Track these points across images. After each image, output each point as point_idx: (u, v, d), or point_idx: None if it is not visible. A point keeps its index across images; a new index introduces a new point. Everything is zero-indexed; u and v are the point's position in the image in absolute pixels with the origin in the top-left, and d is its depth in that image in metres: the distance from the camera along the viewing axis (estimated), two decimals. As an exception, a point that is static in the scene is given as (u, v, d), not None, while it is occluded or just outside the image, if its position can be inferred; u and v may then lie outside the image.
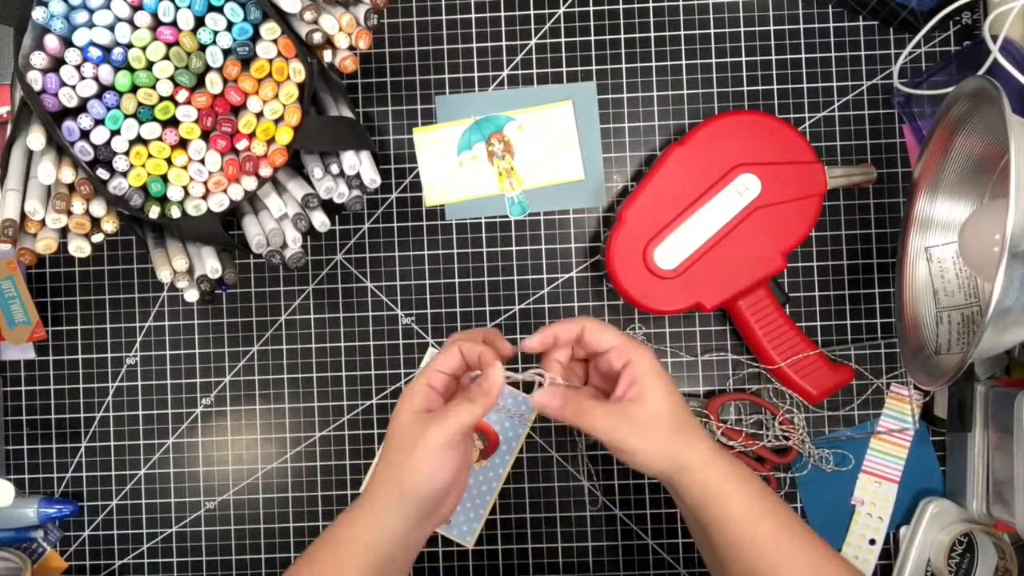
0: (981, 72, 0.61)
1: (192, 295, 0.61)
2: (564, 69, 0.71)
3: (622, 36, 0.71)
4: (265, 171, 0.59)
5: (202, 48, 0.56)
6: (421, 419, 0.54)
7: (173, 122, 0.58)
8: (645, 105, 0.71)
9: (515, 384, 0.61)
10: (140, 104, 0.56)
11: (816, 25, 0.70)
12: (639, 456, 0.54)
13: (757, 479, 0.56)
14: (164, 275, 0.60)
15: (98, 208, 0.57)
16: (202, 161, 0.58)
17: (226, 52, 0.57)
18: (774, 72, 0.70)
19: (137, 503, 0.72)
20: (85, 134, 0.56)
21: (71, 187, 0.57)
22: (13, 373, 0.73)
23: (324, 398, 0.72)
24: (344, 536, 0.55)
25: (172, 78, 0.56)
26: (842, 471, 0.69)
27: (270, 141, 0.59)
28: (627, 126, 0.71)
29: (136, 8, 0.55)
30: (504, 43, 0.71)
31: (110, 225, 0.58)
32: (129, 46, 0.56)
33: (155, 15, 0.55)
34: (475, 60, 0.71)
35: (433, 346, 0.71)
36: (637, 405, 0.54)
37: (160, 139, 0.57)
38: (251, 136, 0.58)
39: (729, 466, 0.55)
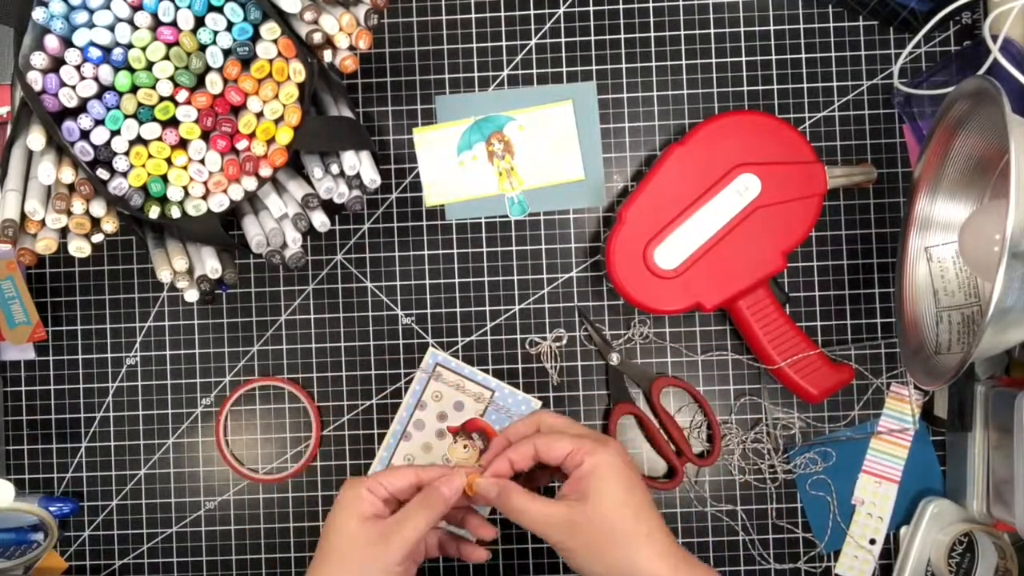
0: (981, 72, 0.61)
1: (192, 295, 0.61)
2: (564, 69, 0.71)
3: (622, 36, 0.71)
4: (265, 171, 0.59)
5: (202, 48, 0.56)
6: (371, 527, 0.49)
7: (173, 122, 0.58)
8: (645, 105, 0.71)
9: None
10: (140, 104, 0.56)
11: (816, 25, 0.70)
12: (575, 560, 0.49)
13: None
14: (164, 275, 0.60)
15: (98, 208, 0.57)
16: (202, 161, 0.58)
17: (226, 52, 0.57)
18: (774, 72, 0.70)
19: (137, 503, 0.72)
20: (85, 134, 0.56)
21: (71, 187, 0.57)
22: (13, 373, 0.73)
23: (324, 398, 0.72)
24: None
25: (172, 78, 0.56)
26: (841, 471, 0.69)
27: (270, 141, 0.59)
28: (627, 126, 0.71)
29: (136, 8, 0.55)
30: (504, 43, 0.71)
31: (110, 225, 0.58)
32: (129, 46, 0.56)
33: (155, 15, 0.55)
34: (475, 60, 0.71)
35: (433, 346, 0.71)
36: (579, 506, 0.49)
37: (160, 139, 0.57)
38: (251, 136, 0.58)
39: None
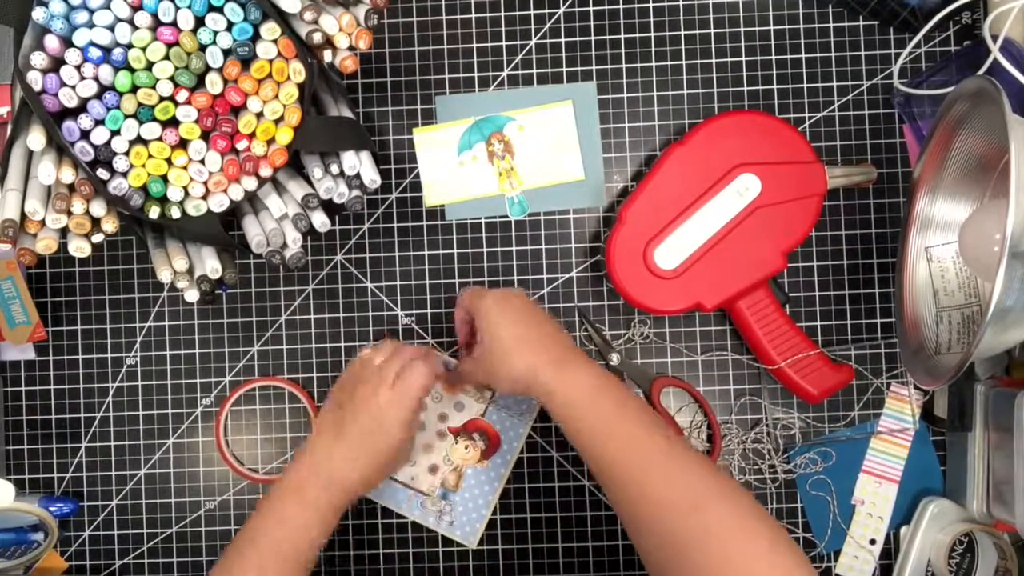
0: (981, 72, 0.61)
1: (192, 295, 0.61)
2: (564, 69, 0.71)
3: (622, 36, 0.71)
4: (265, 171, 0.59)
5: (202, 48, 0.56)
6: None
7: (173, 122, 0.58)
8: (645, 105, 0.71)
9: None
10: (140, 104, 0.56)
11: (816, 25, 0.70)
12: (498, 389, 0.66)
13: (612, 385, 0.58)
14: (164, 275, 0.60)
15: (98, 208, 0.57)
16: (202, 161, 0.58)
17: (226, 52, 0.57)
18: (774, 72, 0.70)
19: (137, 503, 0.72)
20: (85, 134, 0.56)
21: (71, 187, 0.57)
22: (13, 373, 0.73)
23: (324, 398, 0.72)
24: None
25: (172, 78, 0.56)
26: (841, 471, 0.69)
27: (270, 141, 0.59)
28: (627, 126, 0.71)
29: (136, 8, 0.55)
30: (504, 43, 0.71)
31: (110, 225, 0.58)
32: (129, 46, 0.56)
33: (155, 15, 0.55)
34: (475, 60, 0.71)
35: (433, 346, 0.71)
36: (480, 349, 0.61)
37: (160, 139, 0.57)
38: (251, 136, 0.58)
39: (576, 374, 0.58)
